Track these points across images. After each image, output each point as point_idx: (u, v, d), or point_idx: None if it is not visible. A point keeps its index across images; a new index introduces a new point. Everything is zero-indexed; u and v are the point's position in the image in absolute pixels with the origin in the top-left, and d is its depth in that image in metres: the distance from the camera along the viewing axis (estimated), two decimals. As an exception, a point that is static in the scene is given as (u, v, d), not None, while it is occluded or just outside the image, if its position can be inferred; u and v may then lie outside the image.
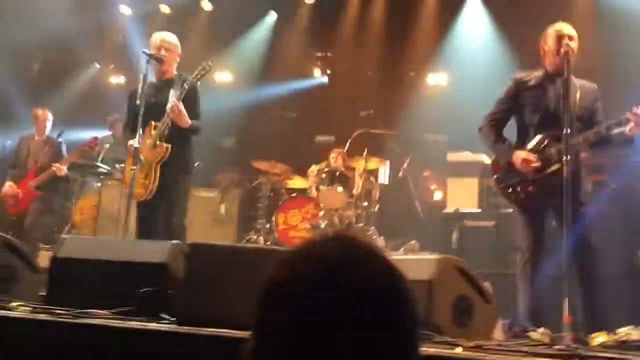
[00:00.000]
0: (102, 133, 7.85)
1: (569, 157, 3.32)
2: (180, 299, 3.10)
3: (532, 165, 3.89)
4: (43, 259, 5.03)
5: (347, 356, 0.92)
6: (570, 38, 3.85)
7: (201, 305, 2.97)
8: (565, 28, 3.92)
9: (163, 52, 4.82)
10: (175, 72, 4.94)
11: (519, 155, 3.93)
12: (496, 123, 4.08)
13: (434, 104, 8.96)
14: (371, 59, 9.51)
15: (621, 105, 3.85)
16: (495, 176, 4.13)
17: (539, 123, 3.93)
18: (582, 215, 3.80)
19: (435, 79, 9.42)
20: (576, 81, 3.84)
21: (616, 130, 3.67)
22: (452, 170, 6.54)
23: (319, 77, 10.03)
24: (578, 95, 3.83)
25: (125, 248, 3.65)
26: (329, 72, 9.99)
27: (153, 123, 4.76)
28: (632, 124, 3.57)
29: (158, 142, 4.72)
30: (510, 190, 4.02)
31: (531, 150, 3.95)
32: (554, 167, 3.80)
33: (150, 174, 4.71)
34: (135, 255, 3.41)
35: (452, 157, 6.65)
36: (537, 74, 4.03)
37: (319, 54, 9.93)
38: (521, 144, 4.03)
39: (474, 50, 8.74)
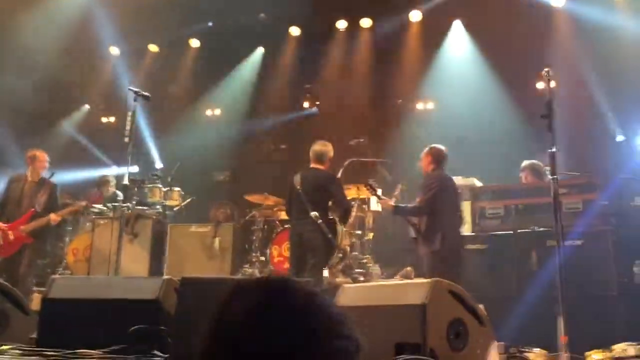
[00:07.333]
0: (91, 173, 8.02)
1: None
2: (173, 335, 3.07)
3: None
4: (36, 301, 4.98)
5: None
6: None
7: (194, 340, 2.95)
8: None
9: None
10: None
11: None
12: None
13: (423, 130, 9.02)
14: (358, 88, 9.60)
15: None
16: None
17: None
18: None
19: (423, 106, 9.52)
20: None
21: None
22: (444, 194, 6.52)
23: (308, 108, 10.10)
24: None
25: (116, 286, 3.63)
26: (317, 103, 10.06)
27: None
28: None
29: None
30: None
31: None
32: None
33: None
34: (127, 292, 3.39)
35: (444, 181, 6.64)
36: None
37: (307, 86, 10.02)
38: None
39: (459, 75, 8.84)
